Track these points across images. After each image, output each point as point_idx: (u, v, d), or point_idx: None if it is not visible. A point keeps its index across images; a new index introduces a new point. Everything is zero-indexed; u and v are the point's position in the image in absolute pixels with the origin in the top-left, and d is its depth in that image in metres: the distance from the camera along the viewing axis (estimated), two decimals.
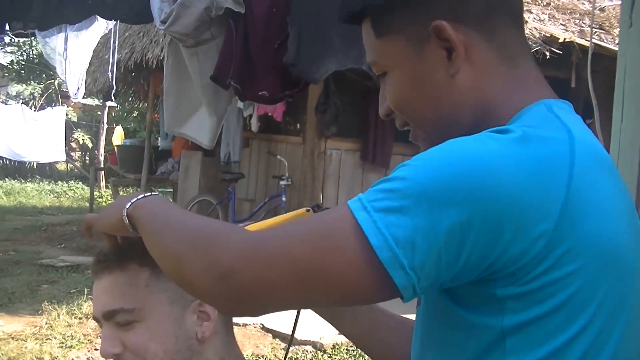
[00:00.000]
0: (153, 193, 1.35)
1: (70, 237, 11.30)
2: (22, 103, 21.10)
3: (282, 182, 9.81)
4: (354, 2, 1.30)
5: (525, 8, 6.03)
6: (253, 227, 1.41)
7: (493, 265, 1.07)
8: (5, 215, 14.38)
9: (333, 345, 6.62)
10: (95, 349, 6.01)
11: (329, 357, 6.50)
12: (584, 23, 10.18)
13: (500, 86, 1.24)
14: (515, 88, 1.24)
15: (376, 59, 1.31)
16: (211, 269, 1.10)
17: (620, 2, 2.83)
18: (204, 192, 11.17)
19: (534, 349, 1.11)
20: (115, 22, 10.33)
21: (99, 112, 20.93)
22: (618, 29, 3.61)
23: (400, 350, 1.54)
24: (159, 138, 15.00)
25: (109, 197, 16.47)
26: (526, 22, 8.67)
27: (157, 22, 6.33)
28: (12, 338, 6.58)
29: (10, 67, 22.85)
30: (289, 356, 6.41)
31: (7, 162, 20.47)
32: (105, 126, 19.70)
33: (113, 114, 22.73)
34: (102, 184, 18.30)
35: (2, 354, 6.11)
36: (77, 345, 6.40)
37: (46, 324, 6.97)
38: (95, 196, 15.16)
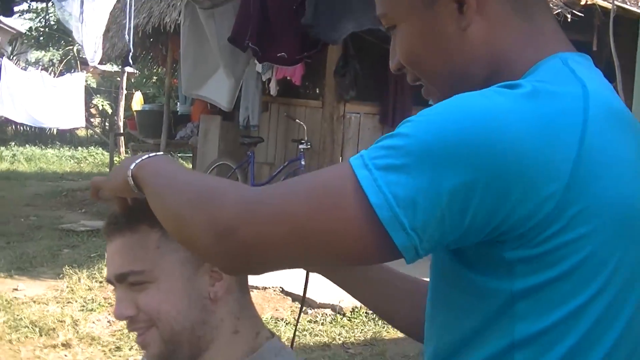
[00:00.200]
0: (158, 153, 1.33)
1: (90, 202, 11.32)
2: (42, 70, 21.14)
3: (301, 146, 9.78)
4: None
5: None
6: None
7: (500, 227, 1.03)
8: (26, 181, 14.45)
9: (352, 309, 6.64)
10: None
11: (348, 320, 6.51)
12: None
13: (514, 39, 1.19)
14: (530, 41, 1.19)
15: (385, 11, 1.26)
16: (211, 227, 1.08)
17: None
18: (223, 156, 11.17)
19: (544, 315, 1.08)
20: None
21: (118, 78, 20.92)
22: None
23: (415, 312, 1.50)
24: (178, 103, 14.98)
25: None
26: None
27: None
28: (34, 302, 6.64)
29: (29, 34, 22.86)
30: (308, 319, 6.43)
31: (28, 129, 20.51)
32: (125, 92, 19.70)
33: (132, 80, 22.73)
34: (122, 149, 18.34)
35: (24, 317, 6.17)
36: (97, 308, 6.44)
37: (67, 287, 7.03)
38: (115, 161, 15.16)
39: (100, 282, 7.03)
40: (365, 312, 6.61)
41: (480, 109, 1.03)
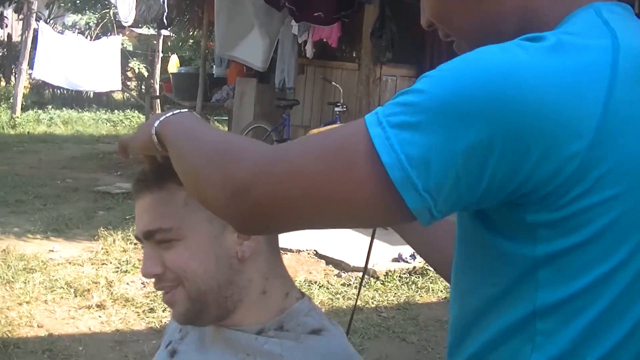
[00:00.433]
0: (182, 110, 1.30)
1: (125, 165, 11.38)
2: (78, 33, 21.19)
3: (336, 109, 9.75)
4: None
5: None
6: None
7: (520, 188, 0.98)
8: (63, 144, 14.54)
9: (386, 273, 6.65)
10: None
11: (381, 284, 6.51)
12: None
13: None
14: None
15: None
16: (226, 185, 1.06)
17: None
18: (258, 119, 11.16)
19: (568, 283, 1.04)
20: None
21: (154, 41, 20.91)
22: None
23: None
24: (214, 65, 14.98)
25: None
26: None
27: None
28: (70, 263, 6.71)
29: None
30: (342, 282, 6.43)
31: (65, 92, 20.58)
32: (161, 55, 19.69)
33: (168, 43, 22.74)
34: (158, 112, 18.36)
35: (60, 278, 6.23)
36: (131, 270, 6.48)
37: (102, 249, 7.10)
38: None
39: (135, 244, 7.06)
40: (399, 276, 6.61)
41: (499, 63, 0.97)
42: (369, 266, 6.61)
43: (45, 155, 12.88)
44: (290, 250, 7.04)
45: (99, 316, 5.61)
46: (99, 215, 8.55)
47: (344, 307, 5.98)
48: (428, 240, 1.63)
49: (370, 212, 1.02)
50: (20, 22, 19.55)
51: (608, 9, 1.09)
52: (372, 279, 6.58)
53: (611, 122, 0.98)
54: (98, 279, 6.27)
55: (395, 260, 6.81)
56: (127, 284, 6.24)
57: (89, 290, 6.02)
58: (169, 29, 18.63)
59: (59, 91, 20.63)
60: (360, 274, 6.62)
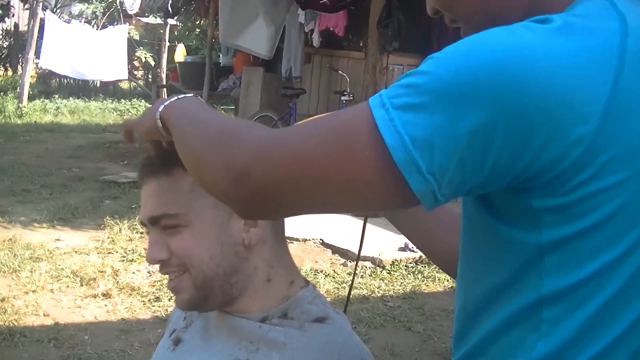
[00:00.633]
0: (187, 95, 1.29)
1: (132, 154, 11.39)
2: (85, 22, 21.17)
3: (343, 98, 9.74)
4: None
5: None
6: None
7: (525, 172, 0.97)
8: (69, 134, 14.54)
9: (392, 262, 6.64)
10: None
11: (387, 273, 6.51)
12: None
13: None
14: None
15: None
16: (227, 169, 1.04)
17: None
18: (265, 108, 11.15)
19: (574, 270, 1.03)
20: None
21: (161, 30, 20.90)
22: None
23: (451, 247, 1.46)
24: (220, 55, 14.96)
25: None
26: None
27: None
28: (76, 252, 6.72)
29: None
30: (348, 271, 6.42)
31: (71, 81, 20.57)
32: (167, 44, 19.68)
33: (175, 32, 22.70)
34: None
35: (66, 267, 6.25)
36: (137, 259, 6.48)
37: (108, 238, 7.11)
38: None
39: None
40: (405, 265, 6.60)
41: (504, 44, 0.95)
42: (376, 255, 6.61)
43: (51, 145, 12.88)
44: (297, 239, 7.03)
45: (105, 305, 5.62)
46: (105, 205, 8.55)
47: (350, 296, 5.95)
48: (424, 230, 1.61)
49: (372, 195, 1.01)
50: (27, 12, 19.56)
51: None
52: (378, 268, 6.57)
53: (618, 106, 0.96)
54: (104, 268, 6.27)
55: (402, 249, 6.79)
56: (133, 273, 6.25)
57: (95, 279, 6.03)
58: (175, 18, 18.60)
59: (65, 80, 20.63)
60: (366, 263, 6.62)
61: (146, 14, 19.74)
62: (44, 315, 5.35)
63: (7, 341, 4.85)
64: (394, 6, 9.23)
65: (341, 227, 7.20)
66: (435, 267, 6.53)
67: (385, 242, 6.58)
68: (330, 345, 1.43)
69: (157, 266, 1.48)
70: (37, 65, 18.91)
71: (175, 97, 1.28)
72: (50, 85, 21.07)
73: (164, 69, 19.12)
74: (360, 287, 6.19)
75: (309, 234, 7.17)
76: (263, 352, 1.43)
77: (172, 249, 1.43)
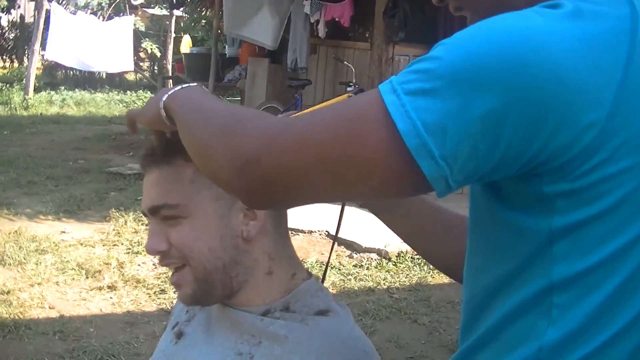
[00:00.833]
0: (191, 84, 1.28)
1: (138, 146, 11.40)
2: (91, 13, 21.19)
3: (349, 89, 9.69)
4: None
5: None
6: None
7: (537, 157, 0.97)
8: (75, 125, 14.56)
9: (398, 254, 6.64)
10: None
11: (393, 265, 6.51)
12: None
13: None
14: None
15: None
16: (233, 157, 1.03)
17: None
18: (271, 99, 11.15)
19: (584, 255, 1.03)
20: None
21: (167, 22, 20.91)
22: None
23: (453, 248, 1.47)
24: (226, 45, 14.95)
25: None
26: None
27: None
28: (81, 244, 6.73)
29: None
30: (354, 263, 6.42)
31: (77, 73, 20.60)
32: (173, 35, 19.70)
33: (181, 24, 22.72)
34: None
35: (71, 260, 6.26)
36: (143, 251, 6.47)
37: (113, 230, 7.12)
38: None
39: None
40: (411, 257, 6.59)
41: (516, 29, 0.95)
42: (381, 247, 6.60)
43: (57, 137, 12.90)
44: (302, 231, 7.03)
45: (110, 297, 5.62)
46: (110, 196, 8.56)
47: (356, 288, 5.97)
48: (414, 226, 1.60)
49: (383, 181, 1.00)
50: (33, 3, 19.56)
51: None
52: (384, 260, 6.57)
53: (629, 91, 0.96)
54: (109, 260, 6.28)
55: None
56: (139, 265, 6.25)
57: (100, 271, 6.03)
58: (181, 9, 18.59)
59: (71, 72, 20.66)
60: (372, 255, 6.62)
61: (152, 5, 19.73)
62: (49, 307, 5.35)
63: (13, 334, 4.85)
64: None
65: (347, 219, 7.15)
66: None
67: (390, 233, 6.53)
68: (332, 339, 1.41)
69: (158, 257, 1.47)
70: (43, 57, 18.93)
71: (179, 87, 1.27)
72: (56, 76, 21.10)
73: (170, 61, 19.12)
74: (365, 279, 6.19)
75: (314, 226, 7.16)
76: (265, 345, 1.42)
77: (171, 240, 1.43)
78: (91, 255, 6.38)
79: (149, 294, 5.70)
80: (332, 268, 6.32)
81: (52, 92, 18.22)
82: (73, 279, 5.90)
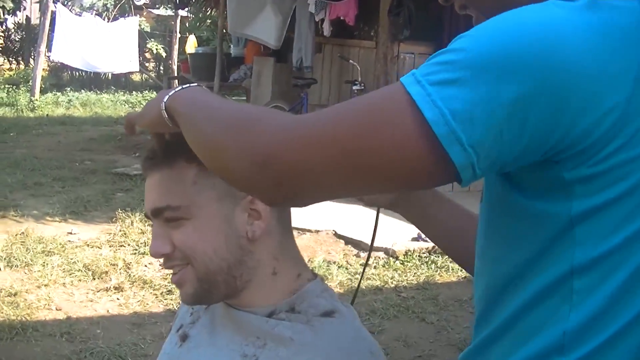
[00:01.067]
0: (192, 84, 1.28)
1: (144, 146, 11.36)
2: (96, 14, 21.21)
3: (354, 87, 9.70)
4: None
5: None
6: None
7: (560, 143, 0.99)
8: (81, 126, 14.59)
9: (405, 252, 6.64)
10: None
11: (401, 263, 6.51)
12: None
13: None
14: None
15: None
16: (251, 154, 1.02)
17: None
18: (276, 98, 11.14)
19: (604, 238, 1.05)
20: None
21: (172, 22, 20.94)
22: None
23: (469, 240, 1.47)
24: (232, 45, 14.95)
25: None
26: None
27: None
28: (88, 245, 6.73)
29: None
30: (361, 262, 6.42)
31: (83, 74, 20.64)
32: (178, 35, 19.72)
33: (186, 24, 22.75)
34: None
35: (78, 261, 6.26)
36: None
37: (120, 231, 7.11)
38: None
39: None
40: (418, 256, 6.59)
41: (539, 19, 0.98)
42: (389, 246, 6.59)
43: (63, 138, 12.92)
44: (309, 231, 7.01)
45: (117, 298, 5.62)
46: (117, 197, 8.57)
47: (363, 287, 5.96)
48: (429, 215, 1.64)
49: (411, 172, 1.00)
50: (38, 5, 19.59)
51: None
52: (391, 258, 6.56)
53: None
54: (116, 261, 6.27)
55: (415, 239, 6.77)
56: (145, 266, 6.25)
57: (107, 272, 6.02)
58: (186, 9, 18.60)
59: (77, 73, 20.70)
60: (380, 253, 6.61)
61: (157, 6, 19.75)
62: (56, 309, 5.35)
63: (20, 335, 4.85)
64: None
65: (354, 218, 7.16)
66: (449, 257, 6.49)
67: (398, 232, 6.54)
68: (338, 340, 1.41)
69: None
70: (49, 58, 18.96)
71: (180, 88, 1.26)
72: (62, 78, 21.14)
73: (175, 61, 19.13)
74: (373, 278, 6.17)
75: (321, 225, 7.14)
76: (270, 347, 1.41)
77: (175, 242, 1.42)
78: (98, 257, 6.38)
79: (155, 294, 5.69)
80: (339, 267, 6.32)
81: (58, 94, 18.25)
82: (80, 280, 5.90)
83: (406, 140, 0.96)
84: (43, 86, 17.95)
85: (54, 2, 17.67)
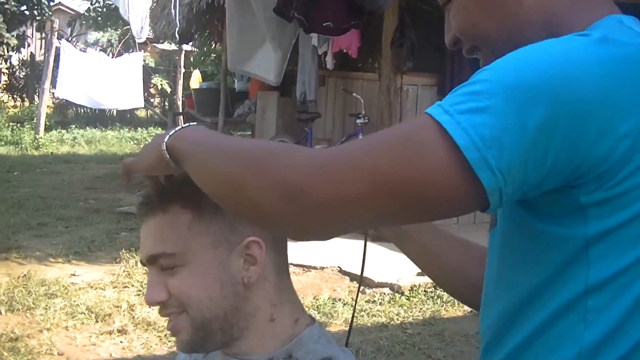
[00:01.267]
0: (191, 124, 1.27)
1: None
2: (100, 50, 21.31)
3: (358, 120, 9.69)
4: None
5: None
6: None
7: (579, 168, 1.04)
8: (86, 164, 14.62)
9: (411, 287, 6.60)
10: None
11: (406, 299, 6.46)
12: None
13: (567, 3, 1.22)
14: (583, 4, 1.22)
15: None
16: (278, 189, 1.04)
17: None
18: (281, 133, 11.12)
19: (617, 258, 1.10)
20: None
21: (177, 57, 21.01)
22: None
23: (470, 273, 1.55)
24: (235, 80, 14.99)
25: None
26: None
27: None
28: (91, 287, 6.69)
29: (87, 14, 23.05)
30: (366, 299, 6.36)
31: (88, 111, 20.72)
32: (183, 70, 19.78)
33: (191, 58, 22.86)
34: None
35: (81, 303, 6.21)
36: None
37: (124, 271, 7.08)
38: None
39: None
40: (424, 291, 6.54)
41: (559, 50, 1.06)
42: (394, 281, 6.54)
43: (68, 176, 12.95)
44: (314, 268, 6.97)
45: (121, 341, 5.56)
46: (121, 237, 8.54)
47: (369, 324, 5.91)
48: (424, 245, 1.65)
49: (443, 198, 1.03)
50: (43, 41, 19.69)
51: (627, 19, 1.20)
52: (396, 294, 6.51)
53: None
54: (120, 302, 6.22)
55: (420, 274, 6.69)
56: (149, 307, 6.17)
57: (110, 314, 5.98)
58: (190, 43, 18.66)
59: (82, 110, 20.78)
60: (385, 289, 6.56)
61: (161, 41, 19.81)
62: (58, 354, 5.29)
63: None
64: (406, 26, 9.21)
65: (359, 254, 7.10)
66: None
67: (403, 267, 6.49)
68: None
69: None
70: (54, 95, 19.02)
71: (180, 127, 1.26)
72: (66, 115, 21.22)
73: (180, 96, 19.18)
74: (378, 315, 6.12)
75: (326, 262, 7.10)
76: None
77: (170, 289, 1.40)
78: (101, 298, 6.33)
79: (159, 336, 5.63)
80: (344, 304, 6.26)
81: (63, 131, 18.31)
82: (83, 323, 5.84)
83: (439, 167, 1.00)
84: (48, 123, 18.01)
85: (58, 38, 17.75)
